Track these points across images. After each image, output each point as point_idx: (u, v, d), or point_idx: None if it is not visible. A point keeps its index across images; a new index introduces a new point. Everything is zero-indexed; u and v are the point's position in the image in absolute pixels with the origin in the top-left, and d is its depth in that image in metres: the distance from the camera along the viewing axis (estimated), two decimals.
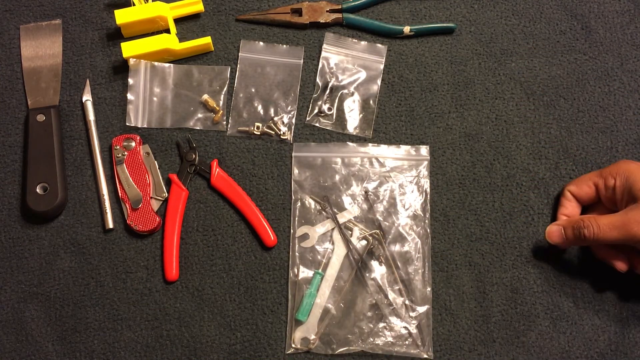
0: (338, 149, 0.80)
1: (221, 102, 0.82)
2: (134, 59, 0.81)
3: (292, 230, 0.78)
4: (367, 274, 0.76)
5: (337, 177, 0.79)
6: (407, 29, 0.84)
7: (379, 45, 0.84)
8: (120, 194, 0.79)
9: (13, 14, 0.86)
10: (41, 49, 0.84)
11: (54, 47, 0.84)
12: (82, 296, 0.77)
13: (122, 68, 0.84)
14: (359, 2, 0.85)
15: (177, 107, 0.82)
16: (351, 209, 0.78)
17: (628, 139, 0.81)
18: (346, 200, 0.79)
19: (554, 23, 0.85)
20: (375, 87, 0.83)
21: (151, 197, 0.79)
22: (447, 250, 0.78)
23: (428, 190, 0.79)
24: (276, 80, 0.83)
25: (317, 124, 0.82)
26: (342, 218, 0.78)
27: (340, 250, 0.77)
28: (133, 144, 0.80)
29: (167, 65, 0.83)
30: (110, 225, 0.78)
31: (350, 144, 0.80)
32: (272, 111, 0.82)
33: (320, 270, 0.76)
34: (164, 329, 0.76)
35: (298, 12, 0.85)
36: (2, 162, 0.81)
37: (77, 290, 0.77)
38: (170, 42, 0.81)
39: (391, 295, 0.75)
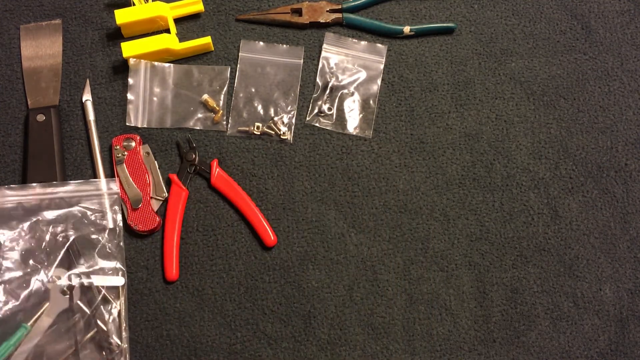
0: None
1: (221, 102, 0.82)
2: (134, 59, 0.81)
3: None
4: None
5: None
6: (407, 29, 0.84)
7: (379, 45, 0.84)
8: (120, 194, 0.79)
9: (13, 14, 0.86)
10: (41, 49, 0.84)
11: (54, 47, 0.84)
12: None
13: (122, 68, 0.84)
14: (359, 2, 0.85)
15: (177, 107, 0.82)
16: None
17: (628, 139, 0.81)
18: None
19: (554, 23, 0.85)
20: (375, 87, 0.83)
21: (151, 197, 0.79)
22: (447, 250, 0.78)
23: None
24: (276, 80, 0.83)
25: (317, 124, 0.82)
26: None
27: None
28: (133, 143, 0.80)
29: (167, 65, 0.83)
30: (110, 225, 0.78)
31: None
32: (272, 111, 0.82)
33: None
34: (164, 329, 0.76)
35: (298, 12, 0.85)
36: (2, 162, 0.81)
37: None
38: (170, 42, 0.81)
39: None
